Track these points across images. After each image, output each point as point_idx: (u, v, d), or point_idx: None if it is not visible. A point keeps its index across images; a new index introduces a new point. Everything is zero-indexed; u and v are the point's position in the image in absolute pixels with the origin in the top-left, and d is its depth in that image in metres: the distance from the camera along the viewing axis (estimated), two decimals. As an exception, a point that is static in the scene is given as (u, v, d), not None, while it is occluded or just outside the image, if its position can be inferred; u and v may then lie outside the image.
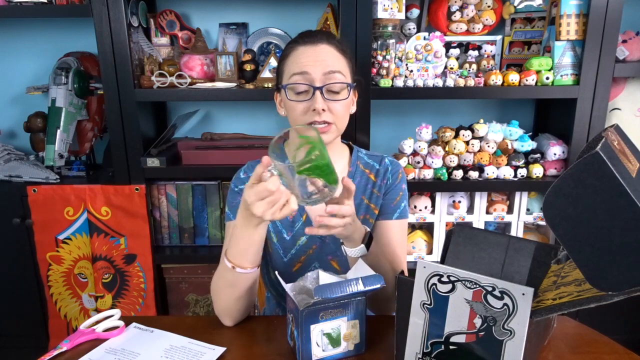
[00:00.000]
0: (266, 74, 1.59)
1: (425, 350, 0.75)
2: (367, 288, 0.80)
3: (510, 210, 1.68)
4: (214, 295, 0.98)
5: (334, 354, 0.85)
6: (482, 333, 0.70)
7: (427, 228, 1.76)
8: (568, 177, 0.56)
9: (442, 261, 0.86)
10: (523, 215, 1.67)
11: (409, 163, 1.61)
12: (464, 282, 0.70)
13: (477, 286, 0.69)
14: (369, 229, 0.97)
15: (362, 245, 0.94)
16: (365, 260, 0.90)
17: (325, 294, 0.78)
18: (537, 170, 1.58)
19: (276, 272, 0.90)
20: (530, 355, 0.75)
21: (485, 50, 1.63)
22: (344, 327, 0.84)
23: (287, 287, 0.85)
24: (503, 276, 0.81)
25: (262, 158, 0.79)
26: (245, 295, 0.95)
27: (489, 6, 1.64)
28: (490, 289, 0.68)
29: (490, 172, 1.59)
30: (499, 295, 0.67)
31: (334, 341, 0.84)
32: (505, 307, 0.67)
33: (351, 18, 1.48)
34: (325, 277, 0.87)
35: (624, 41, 1.58)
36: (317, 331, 0.82)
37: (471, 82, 1.54)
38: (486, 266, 0.83)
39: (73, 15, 1.58)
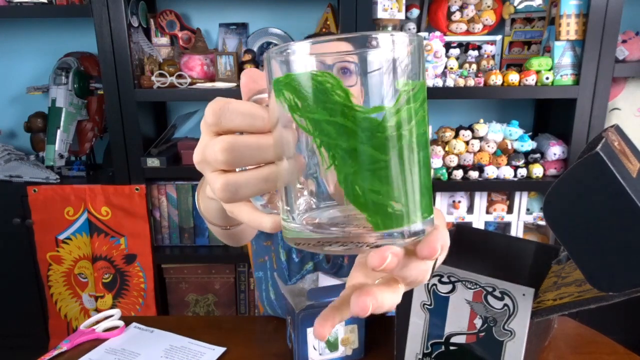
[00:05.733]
0: (266, 74, 1.58)
1: (425, 351, 0.75)
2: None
3: (510, 210, 1.68)
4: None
5: (331, 358, 0.84)
6: (483, 334, 0.70)
7: (427, 228, 1.76)
8: (568, 177, 0.56)
9: (442, 261, 0.86)
10: (523, 215, 1.67)
11: (409, 163, 1.61)
12: (464, 282, 0.70)
13: (478, 286, 0.69)
14: None
15: None
16: None
17: (318, 298, 0.77)
18: (537, 170, 1.58)
19: (275, 273, 0.89)
20: (531, 356, 0.75)
21: (485, 50, 1.62)
22: (341, 331, 0.83)
23: (284, 289, 0.85)
24: (503, 276, 0.81)
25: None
26: (231, 239, 0.75)
27: (488, 6, 1.64)
28: (490, 289, 0.68)
29: (490, 172, 1.59)
30: (499, 295, 0.67)
31: (332, 345, 0.83)
32: (506, 307, 0.67)
33: (351, 18, 1.48)
34: (325, 280, 0.86)
35: (624, 41, 1.57)
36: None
37: (471, 82, 1.54)
38: (486, 266, 0.83)
39: (73, 15, 1.58)
